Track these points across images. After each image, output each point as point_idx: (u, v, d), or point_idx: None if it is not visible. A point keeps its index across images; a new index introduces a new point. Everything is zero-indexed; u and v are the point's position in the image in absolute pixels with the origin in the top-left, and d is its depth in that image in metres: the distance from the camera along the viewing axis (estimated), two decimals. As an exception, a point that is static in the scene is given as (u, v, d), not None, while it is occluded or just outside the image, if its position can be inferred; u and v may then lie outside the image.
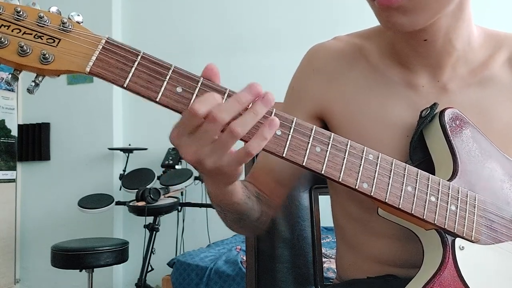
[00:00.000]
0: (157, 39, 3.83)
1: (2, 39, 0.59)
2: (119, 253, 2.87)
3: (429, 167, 0.82)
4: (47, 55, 0.60)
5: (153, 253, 3.10)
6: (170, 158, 3.54)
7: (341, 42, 0.99)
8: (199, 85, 0.64)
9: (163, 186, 3.22)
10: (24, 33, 0.60)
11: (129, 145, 3.91)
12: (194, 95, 0.64)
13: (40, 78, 0.62)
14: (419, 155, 0.85)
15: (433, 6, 0.78)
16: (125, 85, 0.62)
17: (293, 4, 3.74)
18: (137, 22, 4.03)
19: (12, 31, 0.60)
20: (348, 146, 0.71)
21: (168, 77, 0.63)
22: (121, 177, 3.58)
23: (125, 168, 3.68)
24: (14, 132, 4.03)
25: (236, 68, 3.58)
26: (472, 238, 0.77)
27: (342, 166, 0.70)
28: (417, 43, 0.86)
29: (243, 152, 0.65)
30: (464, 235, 0.76)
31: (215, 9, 3.90)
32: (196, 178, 3.41)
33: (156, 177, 3.41)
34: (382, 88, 0.91)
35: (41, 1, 0.65)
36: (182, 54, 3.70)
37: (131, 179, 3.44)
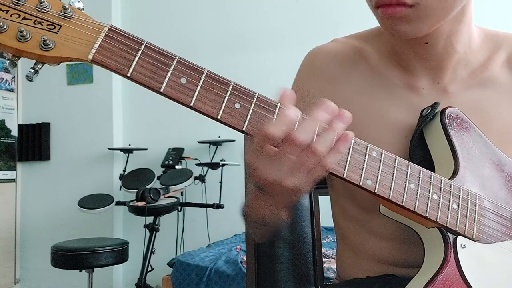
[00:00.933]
0: (157, 38, 3.83)
1: (1, 24, 0.57)
2: (119, 253, 2.87)
3: (429, 167, 0.81)
4: (48, 41, 0.58)
5: (153, 253, 3.10)
6: (170, 158, 3.54)
7: (340, 44, 0.99)
8: (203, 77, 0.64)
9: (163, 186, 3.23)
10: (24, 18, 0.59)
11: (129, 145, 3.92)
12: (199, 86, 0.63)
13: (39, 65, 0.60)
14: (418, 154, 0.85)
15: (437, 15, 0.78)
16: (128, 74, 0.61)
17: (295, 2, 3.74)
18: (137, 20, 4.04)
19: (11, 16, 0.58)
20: (352, 142, 0.71)
21: (172, 68, 0.62)
22: (121, 177, 3.58)
23: (125, 168, 3.69)
24: (14, 132, 4.03)
25: (238, 66, 3.59)
26: (474, 237, 0.77)
27: (346, 163, 0.69)
28: (418, 46, 0.86)
29: (321, 169, 0.66)
30: (465, 233, 0.76)
31: (216, 7, 3.90)
32: (196, 178, 3.41)
33: (156, 177, 3.41)
34: (382, 90, 0.91)
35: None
36: (183, 53, 3.68)
37: (131, 179, 3.45)
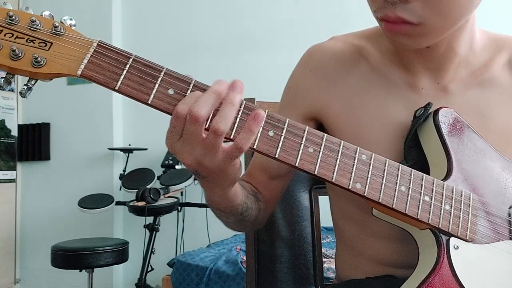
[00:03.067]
0: (157, 40, 3.83)
1: None
2: (119, 253, 2.88)
3: (424, 167, 0.82)
4: (39, 59, 0.61)
5: (153, 253, 3.11)
6: (170, 158, 3.54)
7: (339, 42, 0.98)
8: (190, 87, 0.65)
9: (163, 186, 3.23)
10: (17, 37, 0.61)
11: (129, 145, 3.92)
12: None
13: (32, 82, 0.63)
14: (413, 155, 0.85)
15: (439, 31, 0.79)
16: (116, 88, 0.63)
17: (295, 2, 3.74)
18: (138, 22, 4.03)
19: (4, 35, 0.61)
20: (341, 146, 0.71)
21: (160, 80, 0.64)
22: (121, 177, 3.58)
23: (125, 168, 3.69)
24: (14, 132, 4.03)
25: (237, 67, 3.59)
26: (467, 238, 0.77)
27: (335, 167, 0.70)
28: (419, 49, 0.86)
29: (234, 147, 0.66)
30: (458, 234, 0.76)
31: (215, 9, 3.90)
32: (196, 178, 3.40)
33: (156, 177, 3.41)
34: (381, 89, 0.91)
35: (40, 4, 0.66)
36: (183, 54, 3.70)
37: (131, 179, 3.45)
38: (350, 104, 0.92)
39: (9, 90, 4.01)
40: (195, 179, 3.37)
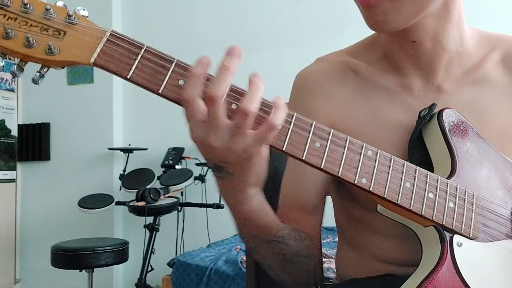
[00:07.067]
0: (157, 37, 3.83)
1: (9, 31, 0.60)
2: (119, 253, 2.88)
3: (428, 167, 0.82)
4: (52, 47, 0.61)
5: (153, 253, 3.11)
6: (170, 158, 3.54)
7: (326, 62, 0.99)
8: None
9: (163, 186, 3.23)
10: (31, 25, 0.62)
11: (129, 145, 3.92)
12: None
13: (45, 69, 0.64)
14: (418, 155, 0.86)
15: (412, 7, 0.79)
16: (128, 77, 0.63)
17: (294, 2, 3.74)
18: (138, 19, 4.03)
19: (19, 23, 0.62)
20: (348, 142, 0.71)
21: (171, 70, 0.65)
22: (121, 177, 3.58)
23: (125, 168, 3.69)
24: (14, 132, 4.04)
25: (239, 67, 3.58)
26: (470, 235, 0.77)
27: (341, 161, 0.70)
28: (406, 44, 0.87)
29: (266, 126, 0.65)
30: (462, 231, 0.77)
31: (217, 6, 3.90)
32: (196, 178, 3.41)
33: (156, 177, 3.41)
34: (377, 96, 0.92)
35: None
36: (183, 52, 3.68)
37: (131, 179, 3.45)
38: (350, 115, 0.93)
39: (9, 90, 4.01)
40: (195, 179, 3.37)
